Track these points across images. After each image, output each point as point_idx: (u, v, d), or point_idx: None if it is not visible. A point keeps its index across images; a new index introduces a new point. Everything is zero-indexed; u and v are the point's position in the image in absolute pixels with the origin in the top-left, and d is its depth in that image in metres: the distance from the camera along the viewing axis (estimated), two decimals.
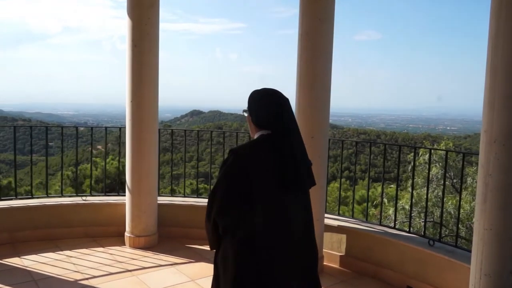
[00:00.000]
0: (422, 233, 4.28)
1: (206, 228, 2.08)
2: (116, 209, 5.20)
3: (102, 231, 5.18)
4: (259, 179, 1.94)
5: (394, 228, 4.45)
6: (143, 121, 4.77)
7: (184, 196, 5.57)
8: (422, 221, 7.32)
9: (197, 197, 5.53)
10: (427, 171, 8.64)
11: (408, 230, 4.35)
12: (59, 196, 5.38)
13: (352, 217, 4.82)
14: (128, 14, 4.69)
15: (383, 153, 4.66)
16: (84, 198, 5.31)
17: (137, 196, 4.86)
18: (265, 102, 2.09)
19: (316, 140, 4.20)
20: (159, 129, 5.35)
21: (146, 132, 4.79)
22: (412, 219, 8.06)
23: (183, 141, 5.31)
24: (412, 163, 8.98)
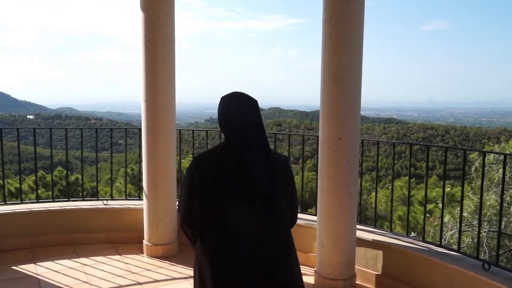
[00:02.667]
0: (475, 254, 3.52)
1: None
2: (136, 215, 4.93)
3: (123, 237, 4.94)
4: (215, 187, 1.85)
5: (440, 246, 3.73)
6: (158, 121, 4.43)
7: None
8: (484, 231, 6.36)
9: None
10: (492, 173, 7.56)
11: (457, 249, 3.62)
12: (81, 200, 5.20)
13: (390, 230, 4.14)
14: (140, 6, 4.36)
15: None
16: (105, 202, 5.10)
17: (153, 202, 4.54)
18: (225, 106, 1.96)
19: (343, 142, 3.61)
20: (179, 130, 5.01)
21: (161, 134, 4.44)
22: (472, 229, 7.11)
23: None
24: (478, 167, 7.79)
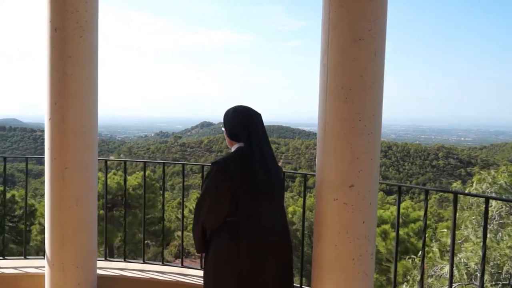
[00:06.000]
0: None
1: (194, 232, 2.43)
2: (40, 283, 3.37)
3: None
4: (238, 185, 2.28)
5: None
6: (68, 150, 2.94)
7: (144, 263, 3.64)
8: (491, 285, 5.32)
9: (162, 265, 3.60)
10: (481, 207, 6.59)
11: None
12: None
13: None
14: None
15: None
16: None
17: (59, 270, 3.00)
18: (236, 118, 2.42)
19: (358, 192, 2.32)
20: (106, 161, 3.54)
21: (74, 168, 2.95)
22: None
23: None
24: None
